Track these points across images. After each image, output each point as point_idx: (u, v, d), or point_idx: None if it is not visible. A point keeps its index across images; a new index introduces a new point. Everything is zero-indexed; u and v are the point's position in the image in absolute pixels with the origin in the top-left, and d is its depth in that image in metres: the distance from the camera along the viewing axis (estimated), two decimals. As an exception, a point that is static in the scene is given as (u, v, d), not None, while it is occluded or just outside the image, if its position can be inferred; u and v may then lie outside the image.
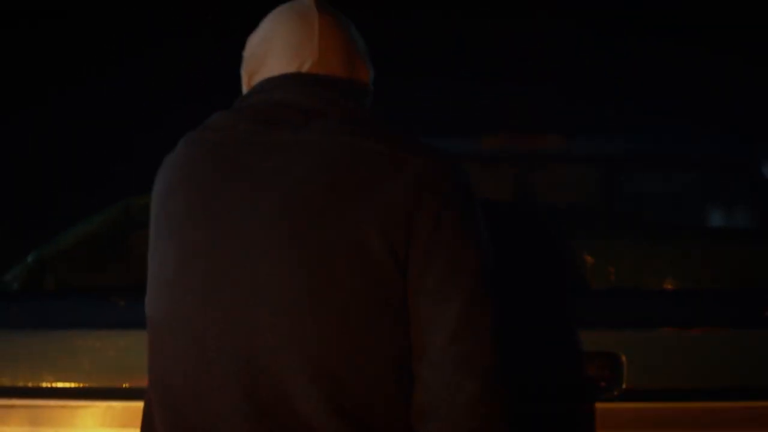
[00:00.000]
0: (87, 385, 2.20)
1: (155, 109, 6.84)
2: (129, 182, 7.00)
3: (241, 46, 1.98)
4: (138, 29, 6.88)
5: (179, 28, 6.83)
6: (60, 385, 2.23)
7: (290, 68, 1.84)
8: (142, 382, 1.83)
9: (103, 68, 6.86)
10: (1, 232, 6.67)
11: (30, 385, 2.22)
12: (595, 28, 7.50)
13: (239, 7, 6.98)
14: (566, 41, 7.35)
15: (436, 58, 7.66)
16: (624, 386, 2.06)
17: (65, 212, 6.88)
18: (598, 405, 2.05)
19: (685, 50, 7.25)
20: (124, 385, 2.17)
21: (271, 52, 1.88)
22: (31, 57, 6.84)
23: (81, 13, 6.83)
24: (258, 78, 1.87)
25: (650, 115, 7.39)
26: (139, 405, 1.83)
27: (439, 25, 7.69)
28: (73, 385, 2.23)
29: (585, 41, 7.50)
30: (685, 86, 7.30)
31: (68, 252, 2.79)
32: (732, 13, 7.17)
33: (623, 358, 2.07)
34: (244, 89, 1.90)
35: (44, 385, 2.22)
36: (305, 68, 1.84)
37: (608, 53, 7.56)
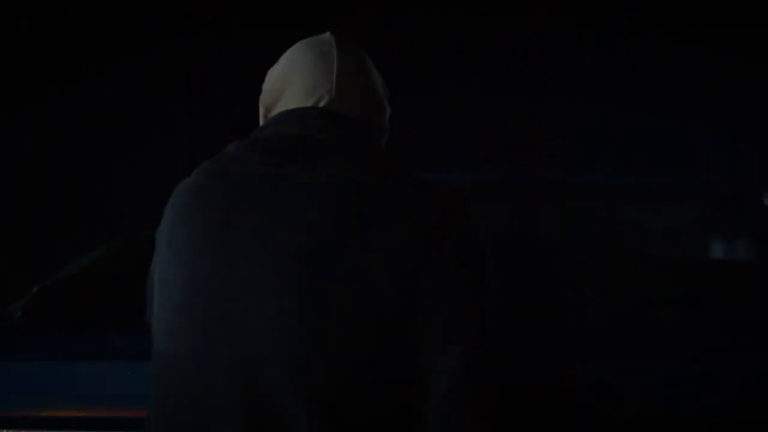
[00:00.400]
0: (90, 415, 2.20)
1: (155, 110, 6.84)
2: (129, 182, 6.99)
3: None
4: (138, 29, 6.88)
5: (179, 28, 6.84)
6: (63, 415, 2.23)
7: (307, 103, 1.87)
8: (144, 413, 1.82)
9: (103, 68, 6.86)
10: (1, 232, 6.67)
11: (33, 415, 2.22)
12: (596, 28, 7.50)
13: (239, 7, 6.98)
14: (567, 44, 7.35)
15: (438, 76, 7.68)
16: (624, 419, 2.05)
17: (65, 213, 6.88)
18: None
19: (685, 50, 7.25)
20: (125, 416, 2.17)
21: (289, 86, 1.91)
22: (31, 57, 6.84)
23: (81, 13, 6.83)
24: (275, 111, 1.89)
25: (650, 115, 7.38)
26: None
27: (437, 42, 7.70)
28: (75, 415, 2.22)
29: (585, 41, 7.51)
30: (685, 86, 7.31)
31: (72, 285, 2.79)
32: (732, 13, 7.17)
33: (625, 391, 2.06)
34: (261, 122, 1.93)
35: (47, 415, 2.21)
36: (321, 104, 1.86)
37: (608, 54, 7.55)
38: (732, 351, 2.12)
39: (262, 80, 2.04)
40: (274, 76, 1.96)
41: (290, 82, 1.91)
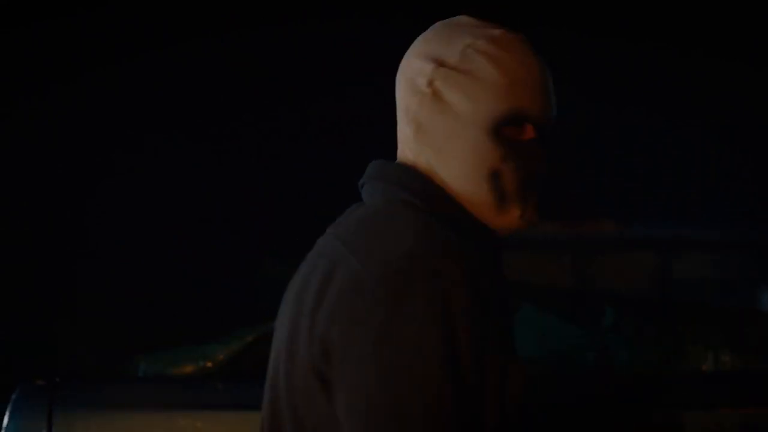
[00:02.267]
0: None
1: (156, 109, 6.84)
2: (129, 182, 6.99)
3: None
4: (138, 29, 6.89)
5: (179, 28, 6.84)
6: None
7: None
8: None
9: (104, 68, 6.87)
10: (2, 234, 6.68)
11: None
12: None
13: (239, 7, 6.98)
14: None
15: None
16: None
17: (66, 212, 6.88)
18: None
19: (685, 50, 7.25)
20: None
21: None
22: (31, 56, 6.85)
23: (81, 13, 6.84)
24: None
25: (651, 116, 7.38)
26: None
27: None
28: None
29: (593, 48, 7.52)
30: (686, 86, 7.30)
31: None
32: (732, 13, 7.17)
33: None
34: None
35: None
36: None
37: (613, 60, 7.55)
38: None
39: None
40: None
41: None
